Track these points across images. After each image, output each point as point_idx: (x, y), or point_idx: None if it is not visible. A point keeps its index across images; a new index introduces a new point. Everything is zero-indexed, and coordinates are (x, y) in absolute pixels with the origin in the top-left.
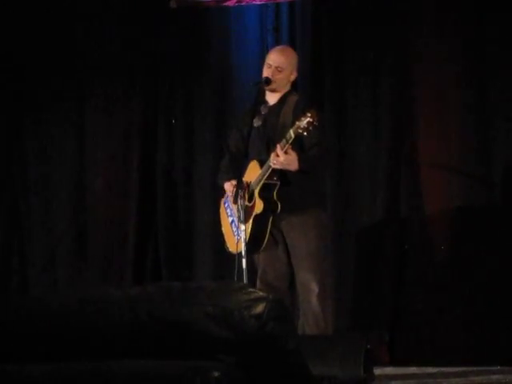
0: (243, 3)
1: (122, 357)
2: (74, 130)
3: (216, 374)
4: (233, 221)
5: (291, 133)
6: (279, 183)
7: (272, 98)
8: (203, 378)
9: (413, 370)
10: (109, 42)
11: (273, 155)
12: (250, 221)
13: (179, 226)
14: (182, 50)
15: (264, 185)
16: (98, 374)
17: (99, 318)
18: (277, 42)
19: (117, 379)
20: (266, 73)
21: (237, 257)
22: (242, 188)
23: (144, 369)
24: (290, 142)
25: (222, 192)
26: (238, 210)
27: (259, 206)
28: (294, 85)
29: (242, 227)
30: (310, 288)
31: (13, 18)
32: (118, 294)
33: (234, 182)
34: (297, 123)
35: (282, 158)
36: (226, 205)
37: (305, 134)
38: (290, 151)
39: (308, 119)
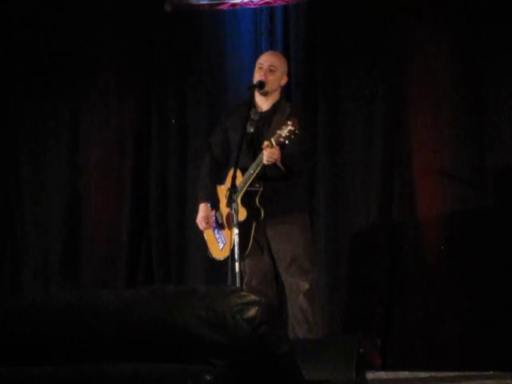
0: (237, 7)
1: (114, 359)
2: (67, 134)
3: (208, 377)
4: (215, 227)
5: (272, 141)
6: (261, 189)
7: (263, 104)
8: (195, 382)
9: (405, 374)
10: (102, 46)
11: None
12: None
13: (172, 231)
14: (175, 54)
15: (246, 192)
16: (90, 377)
17: (91, 320)
18: (271, 46)
19: (109, 382)
20: (258, 76)
21: (229, 261)
22: (235, 192)
23: (136, 371)
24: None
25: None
26: (221, 216)
27: (242, 214)
28: (284, 92)
29: (236, 231)
30: (298, 288)
31: (10, 20)
32: (111, 297)
33: (208, 205)
34: (278, 132)
35: (267, 153)
36: None
37: (286, 142)
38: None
39: (289, 127)
